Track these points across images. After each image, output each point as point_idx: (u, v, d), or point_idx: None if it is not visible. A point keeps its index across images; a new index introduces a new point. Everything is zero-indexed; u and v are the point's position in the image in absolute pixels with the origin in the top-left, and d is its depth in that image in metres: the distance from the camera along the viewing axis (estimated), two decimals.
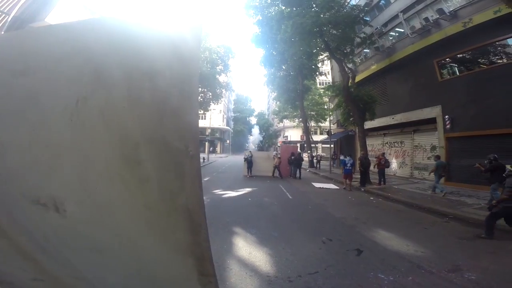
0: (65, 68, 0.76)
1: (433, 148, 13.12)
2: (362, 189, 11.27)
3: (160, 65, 0.71)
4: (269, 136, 51.67)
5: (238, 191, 10.26)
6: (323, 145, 41.34)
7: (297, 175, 15.37)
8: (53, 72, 0.77)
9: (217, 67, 22.16)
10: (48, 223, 0.83)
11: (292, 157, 15.65)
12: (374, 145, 17.99)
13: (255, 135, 50.43)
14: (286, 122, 47.65)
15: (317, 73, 24.70)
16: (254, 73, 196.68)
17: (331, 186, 12.64)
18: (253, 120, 64.56)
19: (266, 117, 64.91)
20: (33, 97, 0.77)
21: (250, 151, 17.07)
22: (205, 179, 13.76)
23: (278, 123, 56.44)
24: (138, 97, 0.70)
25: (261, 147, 46.77)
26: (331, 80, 27.64)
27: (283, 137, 55.24)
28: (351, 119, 15.04)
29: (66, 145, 0.78)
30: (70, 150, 0.78)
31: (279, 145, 43.26)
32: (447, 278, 3.49)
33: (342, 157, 11.50)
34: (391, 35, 15.93)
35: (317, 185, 12.79)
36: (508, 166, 6.59)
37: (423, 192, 10.06)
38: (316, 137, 38.79)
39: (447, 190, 9.44)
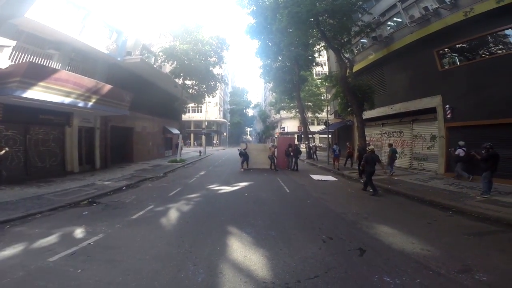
0: None
1: (433, 137, 12.90)
2: (361, 181, 11.08)
3: None
4: (266, 128, 51.32)
5: (234, 186, 9.99)
6: (321, 136, 41.25)
7: (295, 167, 15.14)
8: None
9: (210, 59, 21.48)
10: None
11: (290, 149, 15.39)
12: (372, 134, 17.80)
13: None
14: (283, 114, 47.23)
15: (314, 63, 24.25)
16: (250, 65, 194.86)
17: (330, 178, 12.42)
18: (249, 112, 64.06)
19: (263, 108, 64.39)
20: None
21: (246, 144, 16.74)
22: (201, 174, 13.53)
23: (275, 115, 56.04)
24: None
25: (259, 138, 46.48)
26: (327, 71, 27.20)
27: (280, 128, 54.98)
28: (349, 109, 14.84)
29: None
30: None
31: (276, 136, 43.02)
32: (457, 280, 3.26)
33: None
34: (389, 25, 15.49)
35: (315, 177, 12.57)
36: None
37: (424, 184, 9.88)
38: (314, 128, 38.59)
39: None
